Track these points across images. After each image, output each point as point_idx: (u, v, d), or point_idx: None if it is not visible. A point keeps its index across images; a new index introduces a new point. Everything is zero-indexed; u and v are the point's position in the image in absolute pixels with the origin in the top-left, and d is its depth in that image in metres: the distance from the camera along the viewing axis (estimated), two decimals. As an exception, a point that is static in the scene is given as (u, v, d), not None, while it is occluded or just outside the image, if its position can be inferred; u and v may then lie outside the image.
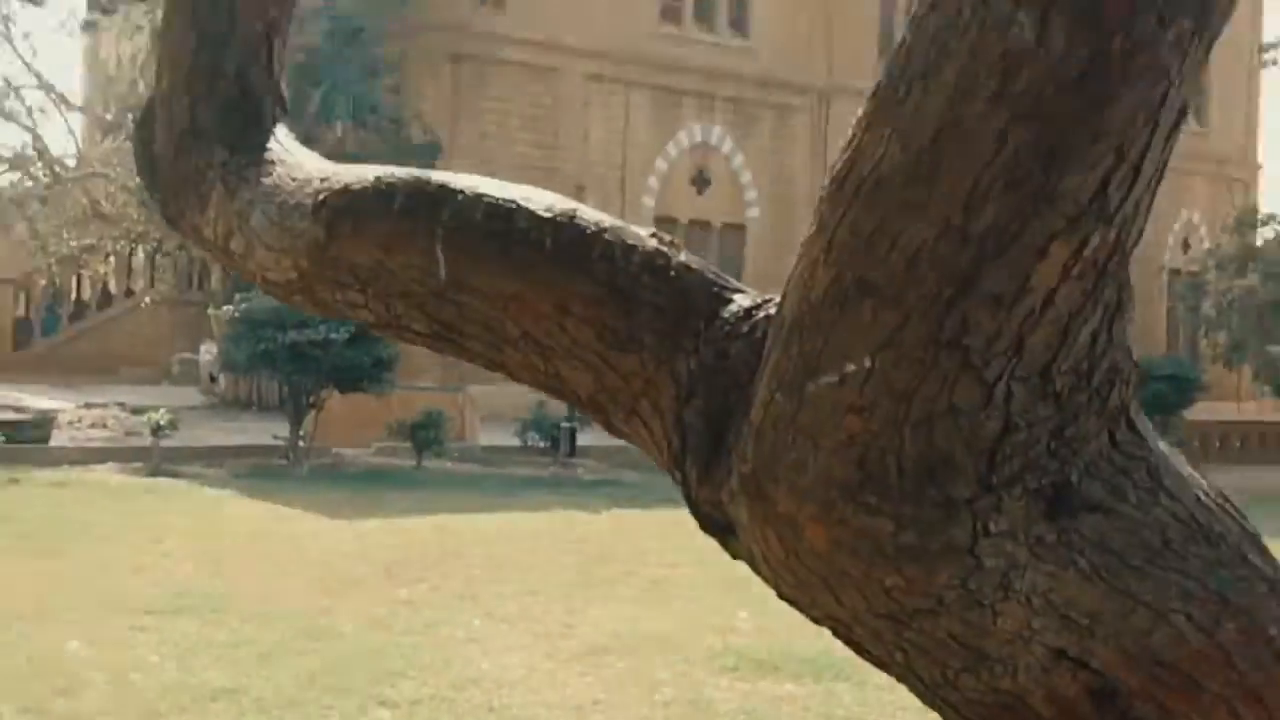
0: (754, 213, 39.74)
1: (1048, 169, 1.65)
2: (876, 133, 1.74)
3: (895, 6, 41.54)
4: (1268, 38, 49.33)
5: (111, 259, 36.65)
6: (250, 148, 2.63)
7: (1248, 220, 38.59)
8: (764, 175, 39.76)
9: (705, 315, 2.06)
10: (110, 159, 33.88)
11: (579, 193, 33.41)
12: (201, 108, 2.69)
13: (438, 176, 2.25)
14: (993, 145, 1.64)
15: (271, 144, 2.64)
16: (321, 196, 2.29)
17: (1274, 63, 49.94)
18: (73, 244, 33.29)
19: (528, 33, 34.86)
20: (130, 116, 32.79)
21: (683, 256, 2.15)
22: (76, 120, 39.52)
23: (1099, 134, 1.62)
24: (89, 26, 36.90)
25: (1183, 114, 1.73)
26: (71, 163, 35.34)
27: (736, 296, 2.11)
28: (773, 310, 2.01)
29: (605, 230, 2.14)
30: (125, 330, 40.34)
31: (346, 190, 2.28)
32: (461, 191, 2.19)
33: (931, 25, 1.70)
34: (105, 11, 34.79)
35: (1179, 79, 1.65)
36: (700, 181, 38.98)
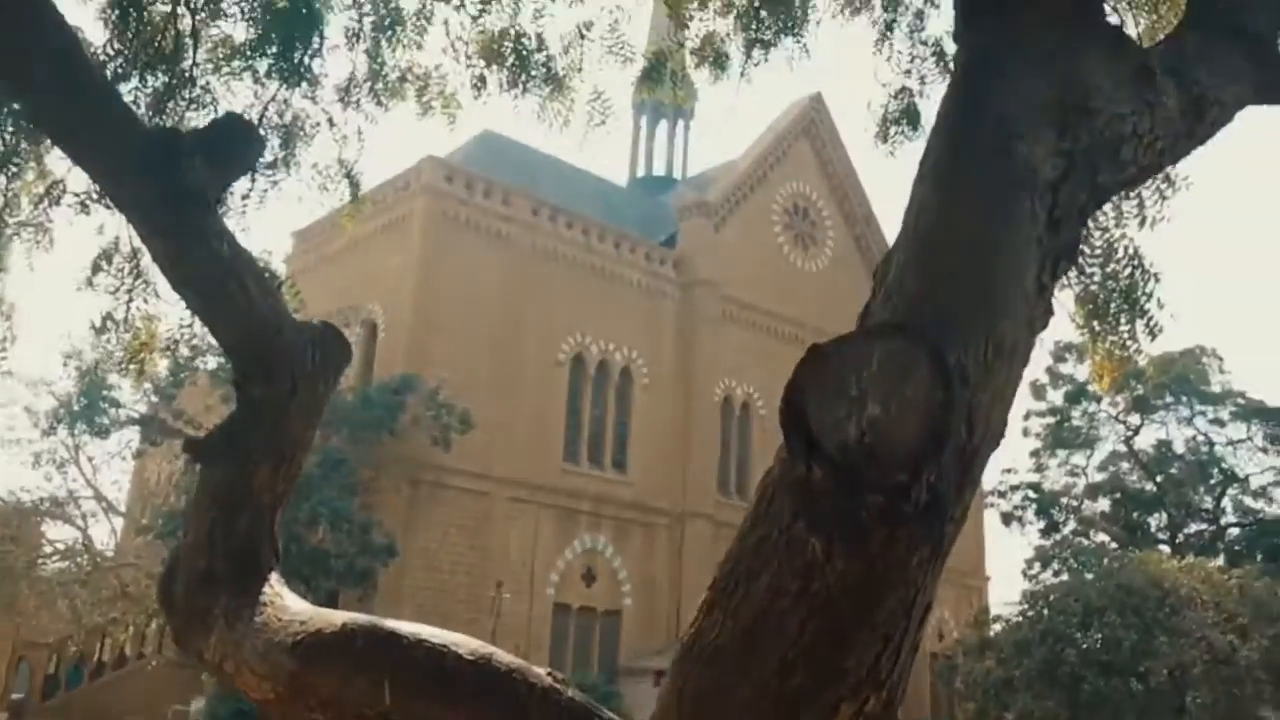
0: (628, 601, 39.07)
1: (836, 650, 1.66)
2: (714, 616, 1.76)
3: (729, 457, 42.90)
4: (987, 487, 51.59)
5: (130, 628, 34.44)
6: (249, 591, 2.56)
7: (982, 618, 38.75)
8: (636, 574, 39.41)
9: (586, 742, 1.99)
10: (141, 552, 32.57)
11: (499, 587, 32.76)
12: (216, 559, 2.64)
13: (389, 624, 2.20)
14: (796, 631, 1.66)
15: (266, 589, 2.58)
16: (299, 637, 2.23)
17: (992, 505, 52.00)
18: (100, 618, 31.36)
19: (467, 466, 35.12)
20: (160, 521, 31.86)
21: (570, 692, 2.09)
22: (119, 521, 38.27)
23: (871, 626, 1.65)
24: (140, 453, 36.35)
25: (929, 608, 1.78)
26: (110, 553, 33.89)
27: (609, 725, 2.05)
28: (638, 740, 1.95)
29: (514, 670, 2.09)
30: (134, 686, 37.41)
31: (319, 633, 2.22)
32: (406, 637, 2.14)
33: (752, 540, 1.75)
34: (154, 444, 34.38)
35: (925, 585, 1.71)
36: (589, 577, 38.44)
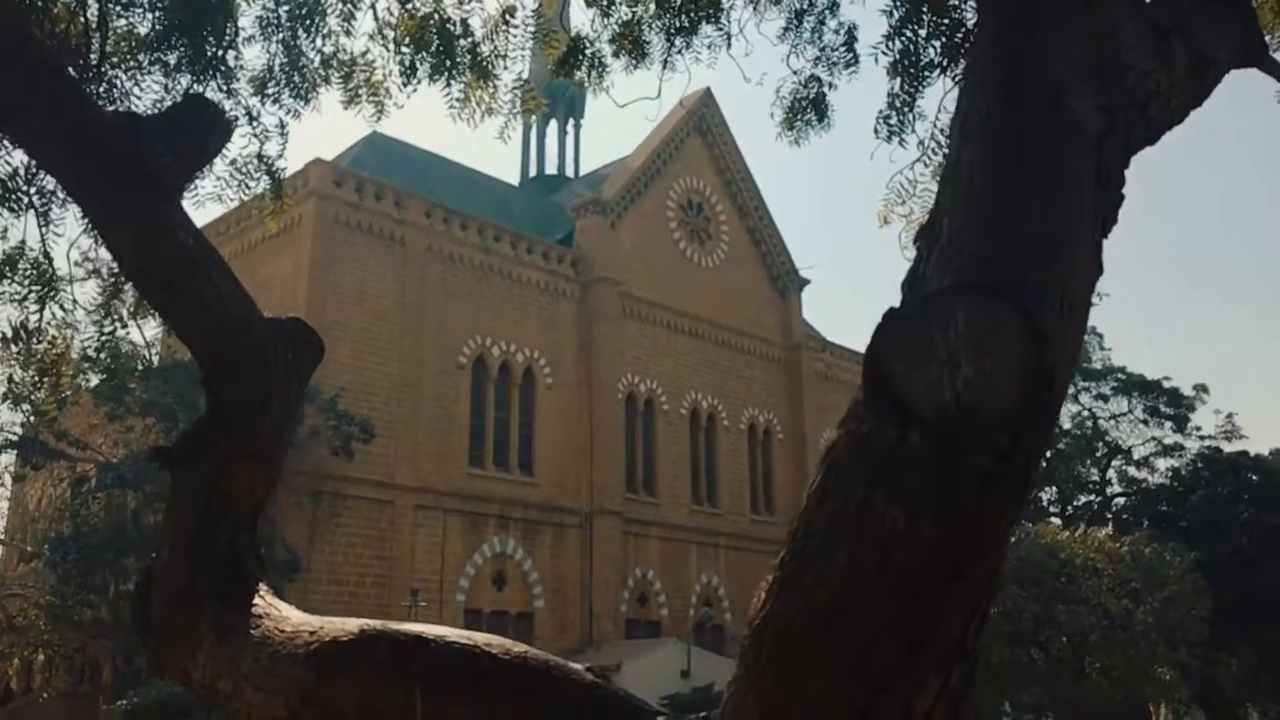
0: (539, 603, 38.86)
1: (922, 622, 1.61)
2: (787, 596, 1.69)
3: (635, 453, 42.97)
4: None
5: (17, 661, 32.75)
6: (238, 603, 2.39)
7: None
8: (546, 575, 39.20)
9: (637, 737, 1.90)
10: (26, 580, 30.98)
11: (414, 596, 32.15)
12: (197, 573, 2.46)
13: (411, 628, 2.07)
14: (879, 606, 1.60)
15: (257, 600, 2.41)
16: (313, 647, 2.08)
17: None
18: (-14, 652, 29.75)
19: (370, 475, 34.42)
20: (46, 547, 30.33)
21: (613, 687, 2.00)
22: (-1, 550, 36.39)
23: (958, 596, 1.61)
24: (20, 478, 34.52)
25: (1001, 578, 1.75)
26: (-9, 584, 32.16)
27: (660, 718, 1.96)
28: (694, 732, 1.86)
29: (552, 667, 1.98)
30: (22, 722, 35.69)
31: (335, 642, 2.07)
32: (433, 640, 2.01)
33: (823, 515, 1.68)
34: (35, 468, 32.68)
35: (1005, 551, 1.68)
36: (499, 581, 38.10)
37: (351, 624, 2.13)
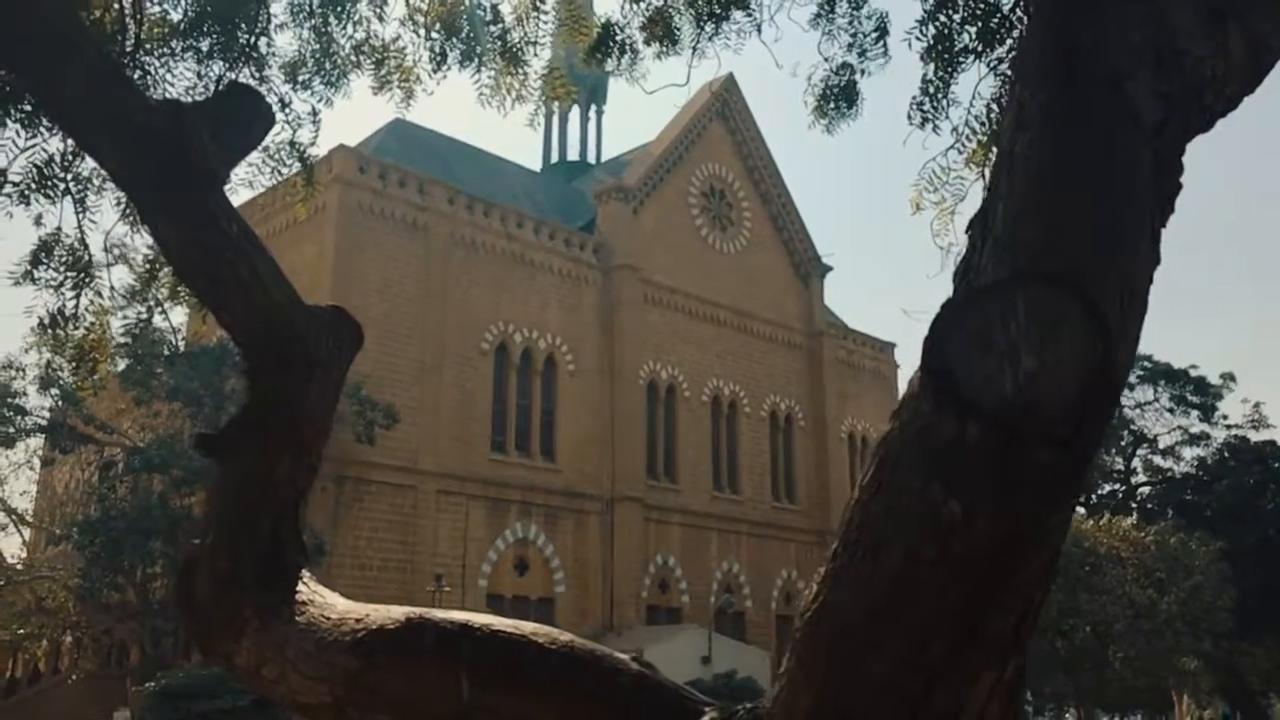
0: (560, 588, 39.03)
1: (978, 615, 1.60)
2: (840, 588, 1.68)
3: (657, 440, 43.00)
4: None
5: (45, 642, 33.20)
6: (282, 589, 2.41)
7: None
8: (568, 560, 39.35)
9: (683, 728, 1.90)
10: (55, 563, 31.36)
11: (438, 581, 32.32)
12: (241, 559, 2.47)
13: (458, 616, 2.08)
14: (935, 598, 1.59)
15: (301, 587, 2.42)
16: (360, 634, 2.09)
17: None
18: (20, 631, 30.15)
19: (393, 461, 34.61)
20: (74, 531, 30.66)
21: (659, 677, 2.00)
22: (27, 532, 36.85)
23: (1014, 588, 1.59)
24: (48, 463, 34.91)
25: (1055, 573, 1.73)
26: (20, 566, 32.57)
27: (707, 710, 1.95)
28: (743, 721, 1.85)
29: (600, 657, 1.99)
30: (50, 703, 36.11)
31: (382, 630, 2.08)
32: (480, 629, 2.02)
33: (877, 507, 1.67)
34: (64, 452, 33.02)
35: (1060, 543, 1.66)
36: (521, 567, 38.28)
37: (397, 612, 2.14)
